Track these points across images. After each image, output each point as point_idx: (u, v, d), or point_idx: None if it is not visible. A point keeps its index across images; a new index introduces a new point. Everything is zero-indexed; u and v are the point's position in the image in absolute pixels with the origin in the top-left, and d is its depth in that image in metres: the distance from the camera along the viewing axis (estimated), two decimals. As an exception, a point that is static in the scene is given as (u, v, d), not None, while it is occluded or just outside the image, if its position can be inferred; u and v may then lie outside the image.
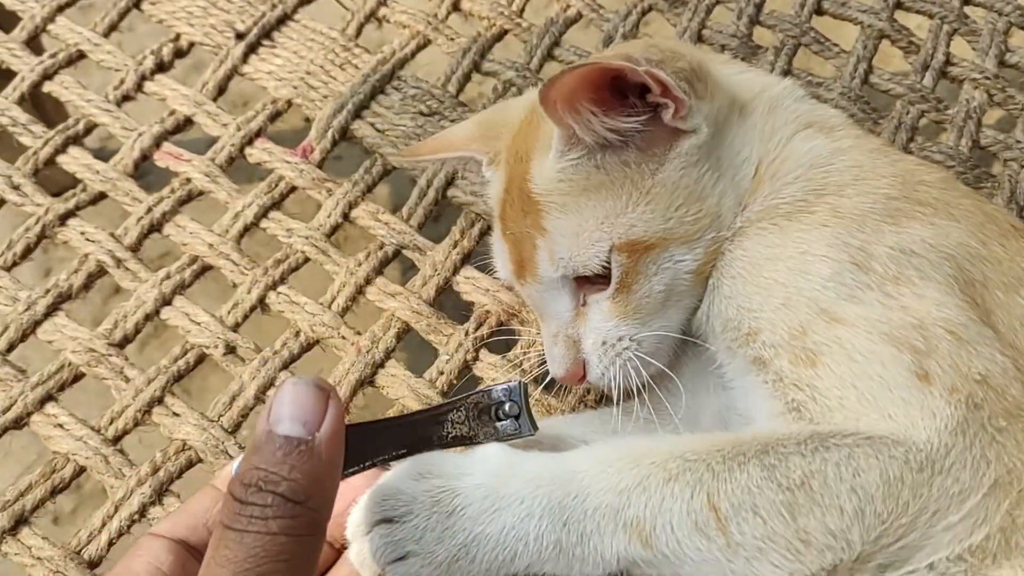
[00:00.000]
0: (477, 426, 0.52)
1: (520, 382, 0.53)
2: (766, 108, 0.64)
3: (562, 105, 0.57)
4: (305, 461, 0.41)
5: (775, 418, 0.56)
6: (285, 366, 0.76)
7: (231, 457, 0.70)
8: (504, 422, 0.52)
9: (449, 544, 0.49)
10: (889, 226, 0.56)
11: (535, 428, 0.53)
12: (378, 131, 0.90)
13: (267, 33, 0.97)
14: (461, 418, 0.52)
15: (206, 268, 0.82)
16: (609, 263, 0.60)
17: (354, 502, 0.50)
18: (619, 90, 0.58)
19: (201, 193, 0.87)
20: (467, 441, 0.52)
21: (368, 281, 0.81)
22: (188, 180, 0.87)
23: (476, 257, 0.81)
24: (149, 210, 0.84)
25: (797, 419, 0.54)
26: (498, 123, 0.72)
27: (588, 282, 0.62)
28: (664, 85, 0.56)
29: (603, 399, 0.71)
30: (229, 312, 0.79)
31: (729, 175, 0.61)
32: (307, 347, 0.77)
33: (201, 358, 0.77)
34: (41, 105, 1.18)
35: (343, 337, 0.77)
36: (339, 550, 0.52)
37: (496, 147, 0.70)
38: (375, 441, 0.50)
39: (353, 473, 0.48)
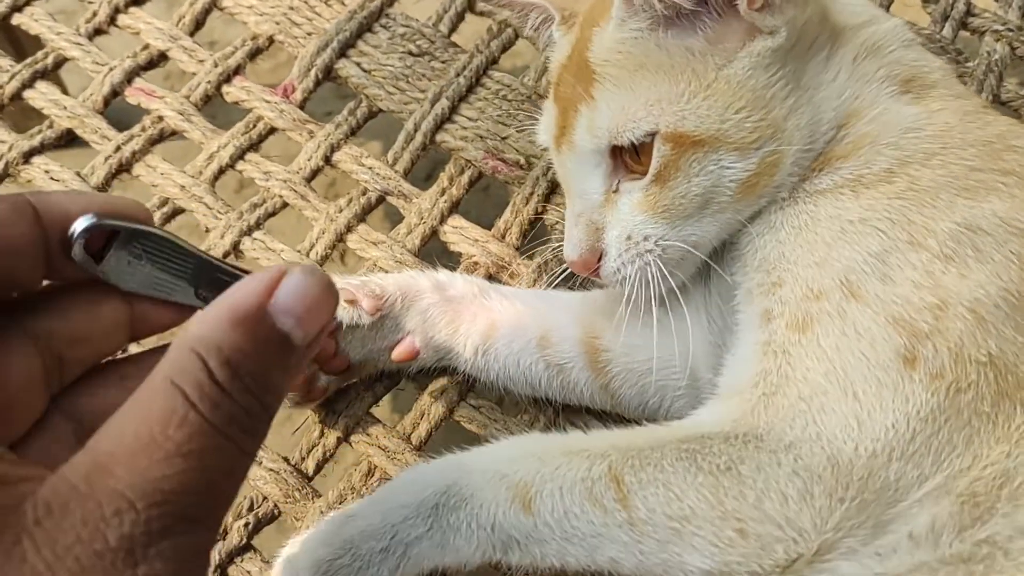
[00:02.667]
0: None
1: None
2: (867, 46, 0.58)
3: None
4: (291, 372, 0.36)
5: (728, 398, 0.53)
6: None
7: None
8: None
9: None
10: (964, 200, 0.52)
11: None
12: (364, 71, 0.84)
13: (249, -35, 0.91)
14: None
15: (177, 211, 0.77)
16: (647, 142, 0.55)
17: None
18: None
19: (174, 133, 0.82)
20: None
21: (349, 228, 0.76)
22: (160, 118, 0.82)
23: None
24: (118, 148, 0.79)
25: (747, 400, 0.51)
26: None
27: (625, 168, 0.58)
28: None
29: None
30: (200, 257, 0.74)
31: (807, 96, 0.56)
32: (283, 296, 0.72)
33: (169, 305, 0.72)
34: (17, 41, 1.13)
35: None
36: None
37: (574, 8, 0.65)
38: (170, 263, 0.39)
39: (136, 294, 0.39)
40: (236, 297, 0.34)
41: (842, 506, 0.47)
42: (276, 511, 0.63)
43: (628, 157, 0.57)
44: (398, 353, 0.66)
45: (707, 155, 0.54)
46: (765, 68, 0.55)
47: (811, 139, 0.56)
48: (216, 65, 0.84)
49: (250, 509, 0.63)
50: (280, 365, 0.35)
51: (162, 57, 0.86)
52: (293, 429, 0.69)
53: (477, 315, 0.66)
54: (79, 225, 0.36)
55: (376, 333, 0.66)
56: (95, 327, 0.39)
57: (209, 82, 0.83)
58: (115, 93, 0.84)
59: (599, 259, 0.59)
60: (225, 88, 0.84)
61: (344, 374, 0.67)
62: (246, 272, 0.38)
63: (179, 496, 0.31)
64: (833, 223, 0.53)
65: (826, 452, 0.47)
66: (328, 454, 0.65)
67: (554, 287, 0.69)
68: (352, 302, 0.64)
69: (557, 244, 0.67)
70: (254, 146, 0.81)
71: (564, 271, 0.67)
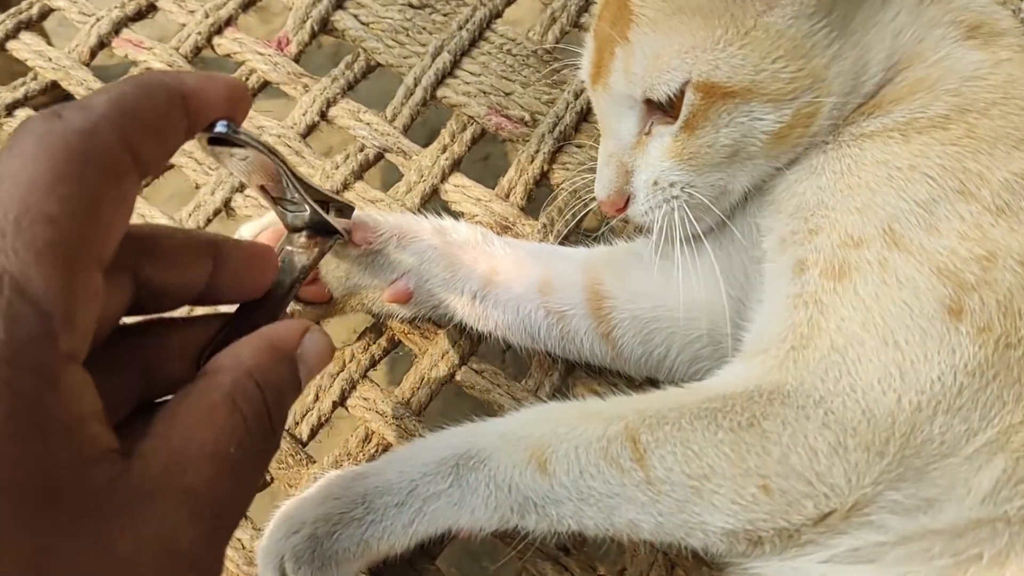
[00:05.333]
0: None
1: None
2: None
3: None
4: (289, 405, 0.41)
5: (753, 356, 0.50)
6: (251, 275, 0.68)
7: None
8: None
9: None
10: (1022, 152, 0.49)
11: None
12: (362, 23, 0.81)
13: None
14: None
15: (165, 167, 0.74)
16: (681, 97, 0.53)
17: None
18: None
19: (164, 85, 0.78)
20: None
21: (346, 186, 0.73)
22: (149, 70, 0.78)
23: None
24: (104, 101, 0.76)
25: (774, 356, 0.49)
26: None
27: (659, 111, 0.55)
28: None
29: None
30: (190, 215, 0.71)
31: (854, 39, 0.53)
32: (276, 256, 0.69)
33: (158, 264, 0.69)
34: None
35: (316, 246, 0.69)
36: None
37: None
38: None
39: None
40: (279, 336, 0.40)
41: (882, 460, 0.45)
42: (268, 477, 0.61)
43: (661, 103, 0.54)
44: (390, 294, 0.63)
45: (738, 106, 0.52)
46: (808, 16, 0.51)
47: (854, 85, 0.53)
48: (207, 16, 0.81)
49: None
50: (291, 403, 0.41)
51: (151, 8, 0.83)
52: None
53: (478, 260, 0.63)
54: (217, 129, 0.40)
55: (364, 268, 0.63)
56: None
57: (199, 33, 0.80)
58: (102, 44, 0.80)
59: (627, 202, 0.58)
60: (216, 40, 0.80)
61: (324, 308, 0.64)
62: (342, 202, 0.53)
63: (230, 512, 0.35)
64: (880, 168, 0.50)
65: (861, 405, 0.45)
66: (323, 419, 0.62)
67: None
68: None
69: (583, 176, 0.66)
70: (247, 100, 0.77)
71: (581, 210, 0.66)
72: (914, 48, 0.53)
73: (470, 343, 0.65)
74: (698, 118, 0.52)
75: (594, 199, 0.62)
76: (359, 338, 0.66)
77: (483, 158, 1.51)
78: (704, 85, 0.51)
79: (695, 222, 0.55)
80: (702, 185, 0.55)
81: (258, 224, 0.61)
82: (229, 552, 0.58)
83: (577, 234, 0.70)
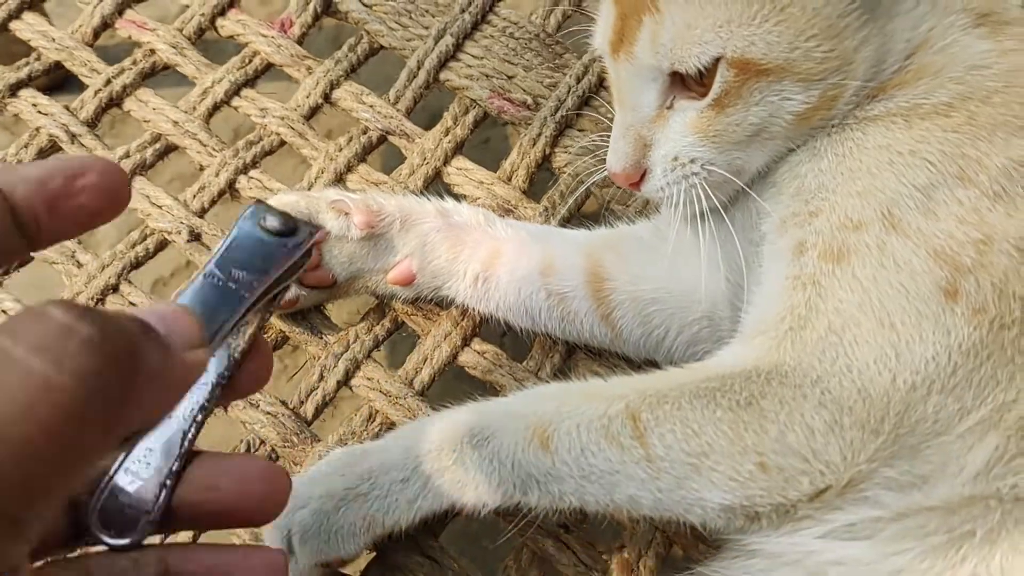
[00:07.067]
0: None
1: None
2: None
3: None
4: None
5: (752, 337, 0.51)
6: (255, 256, 0.68)
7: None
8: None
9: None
10: (1020, 140, 0.50)
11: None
12: (365, 6, 0.81)
13: None
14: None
15: (170, 148, 0.74)
16: (711, 70, 0.52)
17: None
18: None
19: (166, 67, 0.78)
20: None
21: (349, 168, 0.73)
22: (152, 51, 0.78)
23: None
24: (108, 82, 0.76)
25: (772, 337, 0.50)
26: None
27: (682, 85, 0.54)
28: None
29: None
30: (195, 196, 0.71)
31: (879, 25, 0.53)
32: (280, 237, 0.70)
33: (162, 245, 0.70)
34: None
35: (320, 227, 0.69)
36: None
37: None
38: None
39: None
40: None
41: (877, 438, 0.46)
42: (274, 455, 0.61)
43: (689, 77, 0.53)
44: (393, 276, 0.64)
45: (770, 85, 0.51)
46: None
47: (876, 72, 0.53)
48: (210, -3, 0.81)
49: (247, 453, 0.61)
50: None
51: (154, -12, 0.83)
52: (289, 376, 0.67)
53: (480, 242, 0.64)
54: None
55: (367, 252, 0.64)
56: None
57: (203, 14, 0.80)
58: (105, 25, 0.80)
59: (642, 176, 0.57)
60: (220, 21, 0.80)
61: (328, 292, 0.65)
62: None
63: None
64: (881, 153, 0.51)
65: (856, 384, 0.46)
66: (328, 398, 0.63)
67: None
68: (346, 214, 0.62)
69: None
70: (250, 82, 0.77)
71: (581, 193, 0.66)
72: (926, 36, 0.54)
73: (472, 324, 0.66)
74: (730, 96, 0.52)
75: (601, 175, 0.62)
76: (362, 319, 0.66)
77: (483, 141, 1.51)
78: (739, 61, 0.51)
79: (712, 198, 0.55)
80: (722, 163, 0.54)
81: None
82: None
83: (578, 217, 0.71)
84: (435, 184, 0.73)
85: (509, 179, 0.73)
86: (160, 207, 0.70)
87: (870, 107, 0.53)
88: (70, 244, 0.69)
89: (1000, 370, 0.46)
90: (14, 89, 0.77)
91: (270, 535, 0.53)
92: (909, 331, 0.46)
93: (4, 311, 0.66)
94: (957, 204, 0.49)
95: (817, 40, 0.51)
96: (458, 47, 0.78)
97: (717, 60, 0.51)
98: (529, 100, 0.76)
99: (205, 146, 0.74)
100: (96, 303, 0.66)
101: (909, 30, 0.53)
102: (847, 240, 0.49)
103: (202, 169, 0.73)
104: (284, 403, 0.63)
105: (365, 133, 0.75)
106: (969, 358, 0.46)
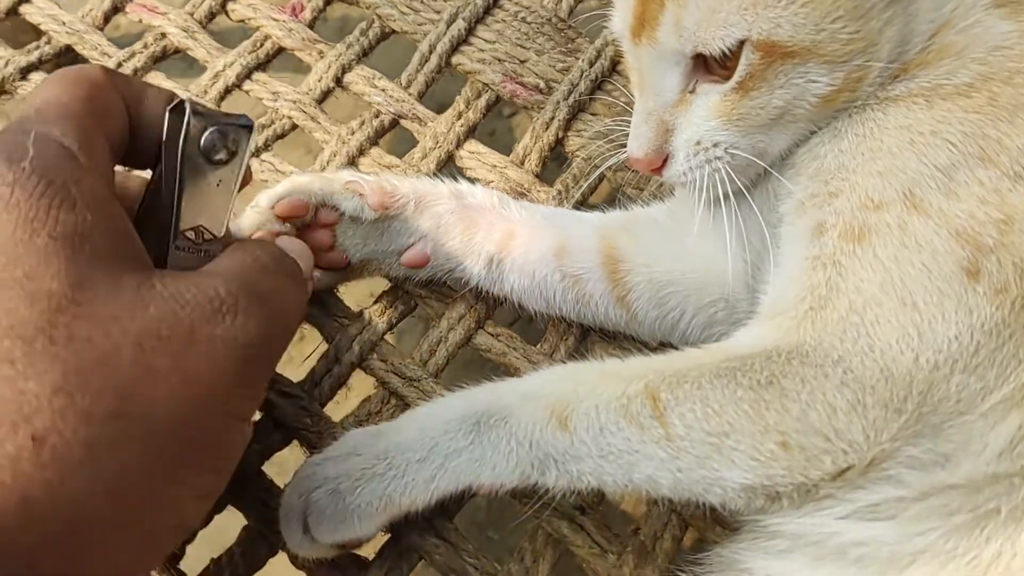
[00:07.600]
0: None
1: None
2: None
3: None
4: None
5: (771, 318, 0.51)
6: (268, 239, 0.68)
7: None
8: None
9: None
10: None
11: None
12: (376, -10, 0.81)
13: None
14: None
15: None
16: (735, 53, 0.52)
17: None
18: None
19: (177, 51, 0.78)
20: None
21: (362, 152, 0.73)
22: (163, 35, 0.78)
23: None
24: (119, 66, 0.76)
25: (792, 318, 0.49)
26: None
27: (705, 69, 0.54)
28: None
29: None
30: (207, 179, 0.71)
31: (904, 4, 0.52)
32: (292, 220, 0.70)
33: (174, 228, 0.69)
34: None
35: (333, 210, 0.69)
36: None
37: None
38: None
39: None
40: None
41: (900, 417, 0.45)
42: (289, 437, 0.61)
43: (712, 59, 0.53)
44: (408, 258, 0.63)
45: (795, 67, 0.51)
46: None
47: (899, 53, 0.53)
48: (221, -19, 0.80)
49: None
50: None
51: (164, -28, 0.83)
52: (303, 358, 0.67)
53: (494, 224, 0.63)
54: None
55: (381, 234, 0.63)
56: None
57: (214, -1, 0.80)
58: (116, 9, 0.80)
59: (664, 162, 0.56)
60: (230, 5, 0.80)
61: (341, 273, 0.65)
62: None
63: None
64: (902, 133, 0.51)
65: (879, 364, 0.46)
66: (343, 379, 0.63)
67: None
68: (360, 195, 0.62)
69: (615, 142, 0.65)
70: (261, 66, 0.77)
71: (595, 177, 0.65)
72: (949, 16, 0.53)
73: (486, 307, 0.65)
74: (755, 79, 0.51)
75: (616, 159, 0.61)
76: (376, 301, 0.66)
77: (489, 133, 1.51)
78: (764, 44, 0.50)
79: (736, 181, 0.55)
80: (745, 147, 0.54)
81: (275, 193, 0.61)
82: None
83: (591, 201, 0.71)
84: (448, 168, 0.73)
85: (522, 163, 0.72)
86: (172, 190, 0.70)
87: (891, 87, 0.53)
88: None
89: (1022, 349, 0.46)
90: (24, 72, 0.76)
91: (286, 514, 0.53)
92: (931, 311, 0.46)
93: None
94: (978, 184, 0.48)
95: (843, 21, 0.50)
96: (470, 31, 0.78)
97: (742, 43, 0.51)
98: (542, 84, 0.76)
99: (217, 129, 0.73)
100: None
101: (933, 10, 0.53)
102: (868, 220, 0.49)
103: (214, 152, 0.72)
104: (299, 385, 0.63)
105: (377, 117, 0.74)
106: (991, 337, 0.46)
